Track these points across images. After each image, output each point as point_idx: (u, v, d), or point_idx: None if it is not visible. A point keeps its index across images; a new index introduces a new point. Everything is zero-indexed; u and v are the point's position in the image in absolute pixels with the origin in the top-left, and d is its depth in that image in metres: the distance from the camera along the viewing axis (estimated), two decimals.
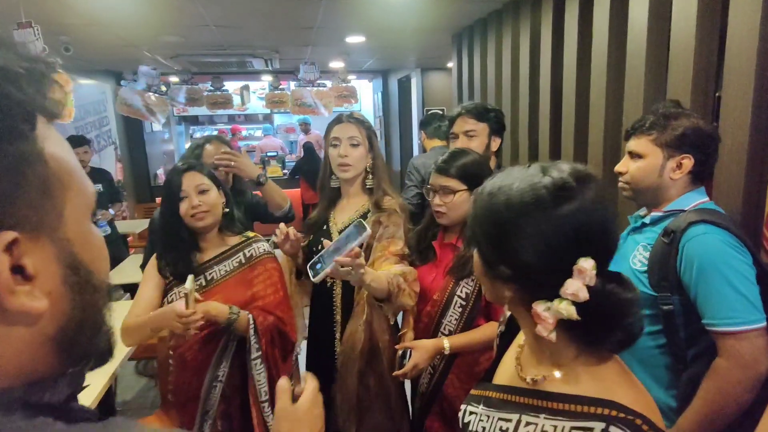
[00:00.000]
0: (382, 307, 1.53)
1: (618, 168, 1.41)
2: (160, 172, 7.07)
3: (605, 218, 0.71)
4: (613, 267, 0.72)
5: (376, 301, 1.53)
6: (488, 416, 0.82)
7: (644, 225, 1.38)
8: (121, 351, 1.77)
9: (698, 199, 1.32)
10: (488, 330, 1.51)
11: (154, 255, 1.64)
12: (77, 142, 3.71)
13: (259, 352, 1.54)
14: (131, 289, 3.60)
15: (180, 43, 4.12)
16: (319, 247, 1.74)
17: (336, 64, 5.28)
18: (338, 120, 1.72)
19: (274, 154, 8.61)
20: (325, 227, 1.75)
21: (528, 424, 0.74)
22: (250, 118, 10.44)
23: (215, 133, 9.34)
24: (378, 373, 1.65)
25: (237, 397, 1.60)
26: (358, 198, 1.74)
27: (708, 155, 1.32)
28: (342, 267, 1.26)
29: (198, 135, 8.94)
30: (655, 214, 1.36)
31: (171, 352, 1.63)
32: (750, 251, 1.19)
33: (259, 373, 1.55)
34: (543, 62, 2.69)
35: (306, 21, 3.50)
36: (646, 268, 1.29)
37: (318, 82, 5.03)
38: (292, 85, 5.32)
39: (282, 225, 1.63)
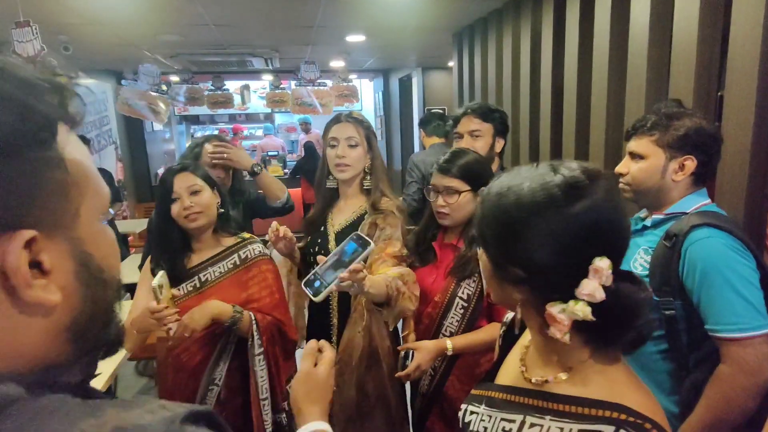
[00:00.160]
0: (381, 312, 1.49)
1: (619, 169, 1.38)
2: (161, 171, 7.06)
3: (618, 215, 0.70)
4: None
5: (375, 306, 1.49)
6: (490, 416, 0.80)
7: (645, 228, 1.36)
8: (121, 351, 1.76)
9: (700, 201, 1.29)
10: (491, 331, 1.49)
11: (149, 257, 1.63)
12: None
13: (262, 348, 1.53)
14: (131, 288, 3.58)
15: (179, 43, 4.11)
16: (315, 251, 1.73)
17: (336, 64, 5.27)
18: (336, 120, 1.69)
19: (275, 153, 8.61)
20: (322, 228, 1.73)
21: (533, 425, 0.73)
22: (251, 118, 10.43)
23: (216, 132, 9.34)
24: (377, 379, 1.62)
25: (238, 397, 1.58)
26: (356, 199, 1.71)
27: (711, 156, 1.29)
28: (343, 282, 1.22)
29: (199, 134, 8.93)
30: (657, 216, 1.33)
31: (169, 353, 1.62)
32: (753, 254, 1.17)
33: (261, 369, 1.54)
34: (544, 61, 2.67)
35: (306, 20, 3.48)
36: (647, 272, 1.27)
37: (318, 81, 5.02)
38: (293, 84, 5.31)
39: (274, 223, 1.62)
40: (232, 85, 6.49)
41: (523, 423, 0.74)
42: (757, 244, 1.21)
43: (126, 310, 1.56)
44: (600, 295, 0.65)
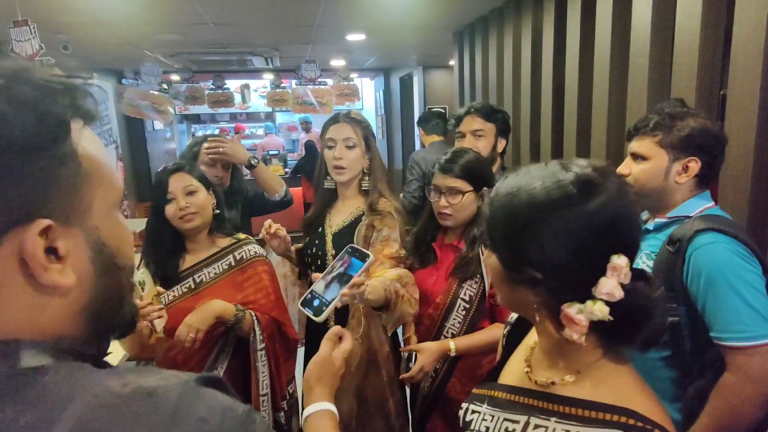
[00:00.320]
0: (381, 316, 1.46)
1: (620, 170, 1.35)
2: None
3: (632, 211, 0.69)
4: None
5: (374, 310, 1.47)
6: (493, 416, 0.79)
7: (647, 231, 1.33)
8: (121, 351, 1.76)
9: (704, 204, 1.26)
10: (494, 331, 1.48)
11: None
12: None
13: (263, 344, 1.53)
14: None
15: (179, 42, 4.10)
16: (312, 252, 1.71)
17: (337, 63, 5.26)
18: (334, 119, 1.67)
19: (276, 152, 8.60)
20: (320, 229, 1.72)
21: (537, 426, 0.71)
22: (251, 117, 10.42)
23: (217, 131, 9.34)
24: (377, 386, 1.60)
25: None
26: (354, 200, 1.69)
27: (715, 158, 1.26)
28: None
29: (200, 133, 8.93)
30: (659, 220, 1.30)
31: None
32: (759, 260, 1.14)
33: (263, 364, 1.54)
34: (545, 60, 2.65)
35: (305, 19, 3.47)
36: None
37: (319, 80, 5.01)
38: (294, 83, 5.30)
39: (267, 221, 1.60)
40: (233, 84, 6.48)
41: (527, 424, 0.73)
42: (761, 247, 1.18)
43: None
44: (619, 294, 0.64)
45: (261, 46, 4.51)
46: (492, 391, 0.84)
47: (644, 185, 1.29)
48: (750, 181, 1.47)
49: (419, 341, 1.59)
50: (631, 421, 0.64)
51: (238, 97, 6.50)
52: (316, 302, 1.06)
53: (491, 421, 0.79)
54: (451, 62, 4.73)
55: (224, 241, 1.63)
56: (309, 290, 1.07)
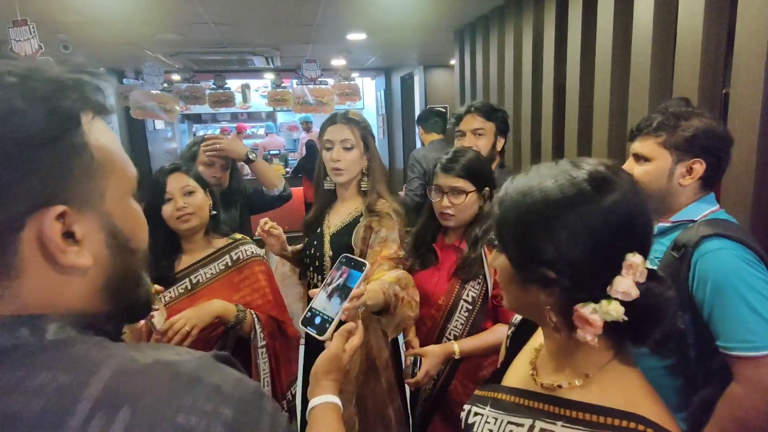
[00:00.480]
0: (380, 320, 1.42)
1: None
2: None
3: (646, 209, 0.68)
4: None
5: (374, 314, 1.42)
6: (496, 419, 0.78)
7: None
8: None
9: (709, 207, 1.22)
10: (498, 333, 1.46)
11: None
12: None
13: (264, 341, 1.52)
14: None
15: (179, 41, 4.09)
16: (311, 253, 1.70)
17: (338, 62, 5.25)
18: (332, 120, 1.65)
19: (277, 152, 8.60)
20: (319, 230, 1.71)
21: (542, 430, 0.70)
22: (252, 116, 10.41)
23: (218, 131, 9.34)
24: (377, 395, 1.58)
25: None
26: (353, 201, 1.68)
27: (720, 159, 1.21)
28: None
29: (201, 133, 8.92)
30: (663, 224, 1.25)
31: None
32: (767, 266, 1.11)
33: (264, 362, 1.53)
34: (546, 59, 2.63)
35: (305, 18, 3.46)
36: None
37: (320, 80, 5.00)
38: (294, 83, 5.30)
39: (262, 220, 1.60)
40: (234, 84, 6.47)
41: (532, 427, 0.72)
42: (766, 251, 1.14)
43: None
44: (635, 293, 0.63)
45: (261, 45, 4.50)
46: (495, 393, 0.83)
47: (647, 187, 1.24)
48: (753, 181, 1.45)
49: (421, 343, 1.57)
50: (641, 427, 0.62)
51: (239, 97, 6.50)
52: (317, 320, 1.01)
53: (494, 424, 0.78)
54: (452, 61, 4.72)
55: (220, 242, 1.62)
56: (308, 308, 1.03)
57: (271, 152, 8.51)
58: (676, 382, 1.20)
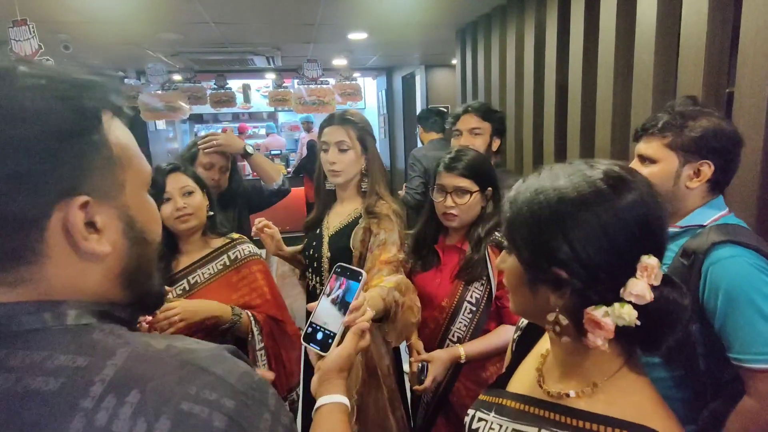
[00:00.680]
0: (381, 326, 1.37)
1: None
2: None
3: (662, 211, 0.66)
4: None
5: (374, 322, 1.35)
6: (501, 425, 0.77)
7: None
8: None
9: (718, 212, 1.17)
10: (503, 335, 1.45)
11: None
12: None
13: (263, 343, 1.52)
14: None
15: (180, 41, 4.08)
16: (310, 254, 1.68)
17: (339, 62, 5.24)
18: (329, 121, 1.62)
19: (278, 152, 8.60)
20: (318, 231, 1.69)
21: None
22: (254, 116, 10.40)
23: (219, 131, 9.31)
24: (378, 405, 1.55)
25: None
26: (352, 202, 1.66)
27: (729, 161, 1.16)
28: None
29: (202, 133, 8.92)
30: (671, 230, 1.20)
31: None
32: None
33: (263, 364, 1.53)
34: (548, 59, 2.61)
35: (306, 18, 3.45)
36: None
37: (321, 79, 4.98)
38: (296, 83, 5.28)
39: (257, 219, 1.60)
40: (235, 84, 6.47)
41: None
42: None
43: None
44: (650, 296, 0.61)
45: (262, 45, 4.49)
46: (500, 398, 0.81)
47: None
48: (758, 182, 1.43)
49: (423, 345, 1.56)
50: None
51: (240, 97, 6.49)
52: (319, 335, 0.97)
53: (499, 431, 0.77)
54: (454, 61, 4.70)
55: (218, 242, 1.61)
56: (308, 322, 0.99)
57: (273, 152, 8.50)
58: (684, 393, 1.16)
